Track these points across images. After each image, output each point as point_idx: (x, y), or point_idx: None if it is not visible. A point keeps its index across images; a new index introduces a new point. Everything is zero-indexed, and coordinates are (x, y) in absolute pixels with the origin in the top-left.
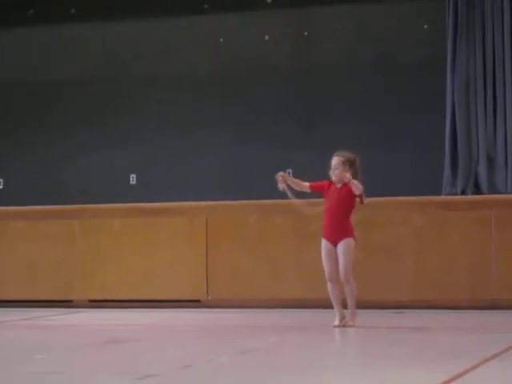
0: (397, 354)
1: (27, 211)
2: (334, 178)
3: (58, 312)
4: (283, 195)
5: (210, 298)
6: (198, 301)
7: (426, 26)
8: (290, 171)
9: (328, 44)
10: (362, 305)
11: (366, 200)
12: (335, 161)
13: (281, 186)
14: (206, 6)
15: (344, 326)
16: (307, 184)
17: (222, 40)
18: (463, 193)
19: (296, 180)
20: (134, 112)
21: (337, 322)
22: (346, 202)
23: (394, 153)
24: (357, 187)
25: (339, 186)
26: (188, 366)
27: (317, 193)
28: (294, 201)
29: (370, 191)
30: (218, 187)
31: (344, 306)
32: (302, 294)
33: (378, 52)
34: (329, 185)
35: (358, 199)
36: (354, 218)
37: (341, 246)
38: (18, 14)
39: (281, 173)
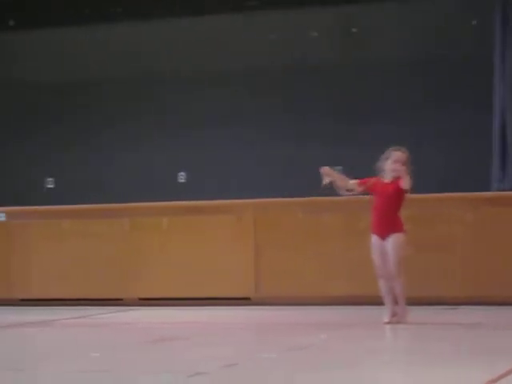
0: (445, 351)
1: (78, 210)
2: (393, 166)
3: (109, 310)
4: (332, 192)
5: (259, 295)
6: (248, 298)
7: (474, 22)
8: (340, 168)
9: (376, 41)
10: (413, 301)
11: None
12: (399, 156)
13: (325, 180)
14: (253, 4)
15: (395, 322)
16: (355, 182)
17: (271, 36)
18: None
19: (342, 176)
20: (185, 109)
21: (387, 319)
22: (395, 198)
23: (441, 149)
24: (407, 181)
25: (390, 180)
26: (237, 363)
27: (365, 190)
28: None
29: (419, 188)
30: (266, 184)
31: (396, 302)
32: (351, 291)
33: (426, 48)
34: (376, 181)
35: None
36: (403, 213)
37: (390, 242)
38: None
39: (325, 167)
